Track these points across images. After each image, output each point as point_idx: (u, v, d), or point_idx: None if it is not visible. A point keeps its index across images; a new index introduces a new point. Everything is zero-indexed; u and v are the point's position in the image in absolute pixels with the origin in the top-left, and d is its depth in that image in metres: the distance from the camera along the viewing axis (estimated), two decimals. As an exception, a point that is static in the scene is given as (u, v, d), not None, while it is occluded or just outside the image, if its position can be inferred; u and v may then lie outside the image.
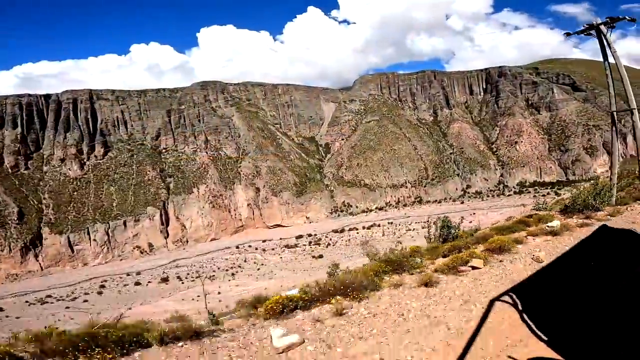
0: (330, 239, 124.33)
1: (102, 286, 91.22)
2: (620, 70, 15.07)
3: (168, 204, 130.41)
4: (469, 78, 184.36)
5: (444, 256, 10.62)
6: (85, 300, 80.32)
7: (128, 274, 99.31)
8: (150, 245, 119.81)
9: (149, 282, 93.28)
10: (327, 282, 9.84)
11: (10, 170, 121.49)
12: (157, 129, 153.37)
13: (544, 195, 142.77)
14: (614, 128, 19.28)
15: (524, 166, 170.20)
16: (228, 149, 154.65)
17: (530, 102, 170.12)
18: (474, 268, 9.16)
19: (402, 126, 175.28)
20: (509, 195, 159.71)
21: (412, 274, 9.08)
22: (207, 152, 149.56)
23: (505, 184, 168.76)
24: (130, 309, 75.09)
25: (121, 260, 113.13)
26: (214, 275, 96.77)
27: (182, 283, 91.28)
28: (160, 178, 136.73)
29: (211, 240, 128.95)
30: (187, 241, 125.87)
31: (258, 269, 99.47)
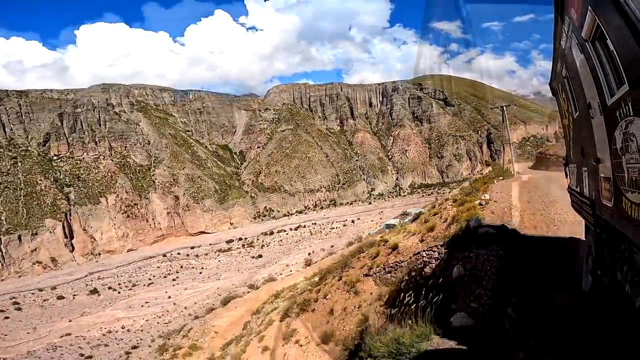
0: (263, 241, 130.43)
1: (16, 302, 78.24)
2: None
3: (71, 215, 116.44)
4: (369, 91, 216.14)
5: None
6: (7, 317, 69.25)
7: (40, 290, 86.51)
8: (53, 259, 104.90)
9: (74, 295, 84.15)
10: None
11: None
12: (45, 134, 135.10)
13: (430, 194, 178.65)
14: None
15: (413, 171, 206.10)
16: (137, 156, 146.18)
17: (415, 115, 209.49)
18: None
19: (314, 135, 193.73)
20: (404, 196, 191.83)
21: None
22: (112, 160, 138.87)
23: (401, 186, 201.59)
24: (70, 321, 69.43)
25: (20, 277, 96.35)
26: (152, 282, 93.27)
27: (118, 293, 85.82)
28: (57, 188, 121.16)
29: (128, 251, 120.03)
30: (100, 254, 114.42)
31: (200, 273, 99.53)
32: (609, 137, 3.99)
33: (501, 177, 32.20)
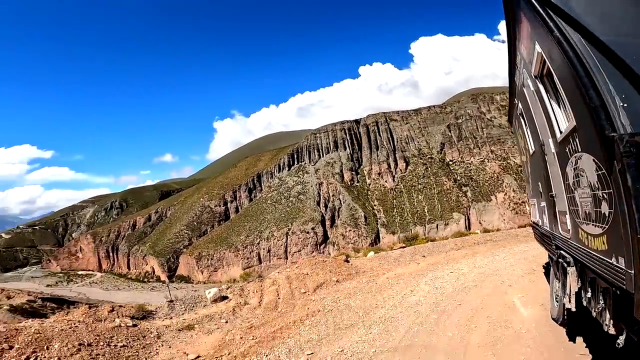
0: None
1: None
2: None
3: (470, 210, 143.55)
4: None
5: None
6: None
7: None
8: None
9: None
10: None
11: (349, 183, 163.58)
12: (440, 143, 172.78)
13: None
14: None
15: None
16: (517, 158, 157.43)
17: None
18: None
19: None
20: None
21: None
22: (495, 162, 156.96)
23: None
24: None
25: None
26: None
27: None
28: (457, 187, 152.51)
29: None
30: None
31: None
32: (562, 172, 4.13)
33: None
